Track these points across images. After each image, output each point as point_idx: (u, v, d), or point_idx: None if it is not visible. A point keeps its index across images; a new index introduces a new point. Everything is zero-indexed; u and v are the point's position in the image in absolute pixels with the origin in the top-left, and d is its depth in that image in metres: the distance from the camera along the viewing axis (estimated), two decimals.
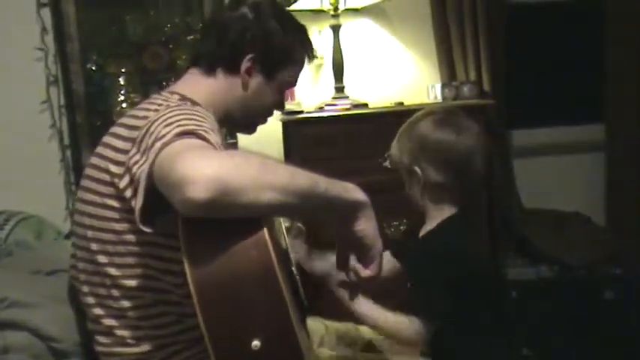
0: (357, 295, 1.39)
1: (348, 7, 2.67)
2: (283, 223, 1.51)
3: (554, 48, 3.16)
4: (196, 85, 1.40)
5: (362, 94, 2.73)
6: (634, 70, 2.96)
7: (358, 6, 2.76)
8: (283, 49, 1.44)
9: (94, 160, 1.27)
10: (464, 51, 2.81)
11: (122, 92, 2.71)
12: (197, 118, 1.14)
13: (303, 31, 1.50)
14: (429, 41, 2.87)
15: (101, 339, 1.28)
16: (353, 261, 1.23)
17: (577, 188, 3.11)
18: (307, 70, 2.69)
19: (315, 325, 1.63)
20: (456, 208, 1.51)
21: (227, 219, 0.95)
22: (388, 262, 1.54)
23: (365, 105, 2.60)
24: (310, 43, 1.52)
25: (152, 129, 1.11)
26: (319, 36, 2.75)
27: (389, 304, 1.45)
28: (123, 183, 1.16)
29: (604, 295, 2.75)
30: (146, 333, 1.25)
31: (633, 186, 2.99)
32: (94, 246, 1.24)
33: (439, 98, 2.68)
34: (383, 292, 1.40)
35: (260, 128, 1.57)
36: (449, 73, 2.84)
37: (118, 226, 1.20)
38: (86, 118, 2.65)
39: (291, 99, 2.61)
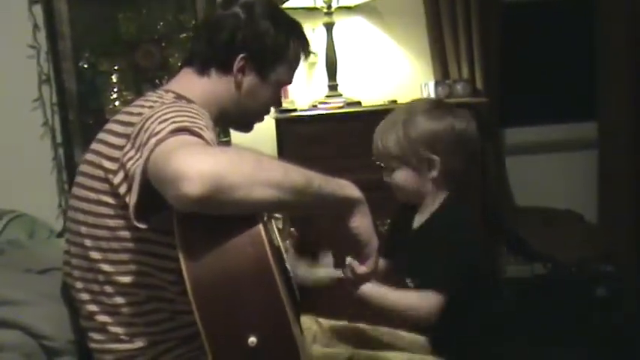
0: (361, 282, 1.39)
1: (341, 5, 2.68)
2: (275, 224, 1.51)
3: (547, 46, 3.17)
4: (191, 84, 1.39)
5: (355, 92, 2.74)
6: (626, 68, 2.97)
7: (351, 4, 2.76)
8: (276, 48, 1.43)
9: (89, 156, 1.27)
10: (457, 49, 2.82)
11: (114, 90, 2.70)
12: (192, 115, 1.14)
13: (297, 29, 1.49)
14: (422, 39, 2.88)
15: (95, 335, 1.28)
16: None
17: (569, 186, 3.12)
18: (300, 69, 2.69)
19: (308, 322, 1.63)
20: (448, 192, 1.57)
21: (222, 215, 0.95)
22: None
23: (358, 103, 2.61)
24: (306, 40, 1.51)
25: (147, 125, 1.11)
26: (312, 34, 2.75)
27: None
28: (117, 179, 1.16)
29: (596, 292, 2.76)
30: (140, 329, 1.24)
31: (625, 184, 3.00)
32: (87, 242, 1.23)
33: (432, 96, 2.68)
34: None
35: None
36: (442, 71, 2.84)
37: (112, 223, 1.20)
38: (78, 116, 2.65)
39: (284, 97, 2.61)
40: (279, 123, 2.50)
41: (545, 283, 2.78)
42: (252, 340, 0.91)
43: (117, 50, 2.69)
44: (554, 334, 2.56)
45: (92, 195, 1.22)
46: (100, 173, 1.21)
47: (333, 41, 2.63)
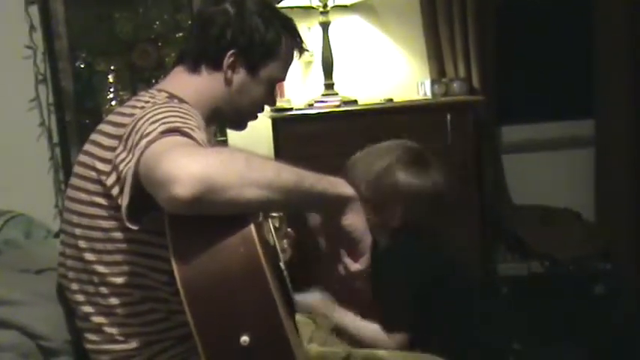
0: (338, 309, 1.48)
1: (337, 3, 2.68)
2: (272, 223, 1.51)
3: (544, 44, 3.17)
4: (182, 82, 1.39)
5: (351, 90, 2.74)
6: (623, 66, 2.97)
7: (347, 3, 2.76)
8: (266, 45, 1.43)
9: (82, 157, 1.27)
10: (453, 47, 2.82)
11: (111, 90, 2.70)
12: (183, 115, 1.14)
13: (289, 26, 1.49)
14: (418, 38, 2.88)
15: (90, 336, 1.28)
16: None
17: (567, 184, 3.12)
18: (297, 67, 2.69)
19: (305, 321, 1.63)
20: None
21: (214, 216, 0.95)
22: None
23: (354, 102, 2.61)
24: (298, 37, 1.50)
25: (138, 126, 1.11)
26: (308, 33, 2.75)
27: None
28: (110, 180, 1.16)
29: (594, 290, 2.77)
30: (135, 330, 1.24)
31: (622, 181, 3.00)
32: (82, 244, 1.23)
33: (429, 95, 2.68)
34: None
35: (250, 125, 1.56)
36: (438, 70, 2.84)
37: (105, 224, 1.20)
38: (75, 116, 2.65)
39: (280, 96, 2.61)
40: (275, 122, 2.50)
41: (542, 281, 2.78)
42: (245, 339, 0.91)
43: (113, 50, 2.70)
44: (552, 333, 2.57)
45: (85, 196, 1.22)
46: (93, 175, 1.21)
47: (329, 40, 2.63)
